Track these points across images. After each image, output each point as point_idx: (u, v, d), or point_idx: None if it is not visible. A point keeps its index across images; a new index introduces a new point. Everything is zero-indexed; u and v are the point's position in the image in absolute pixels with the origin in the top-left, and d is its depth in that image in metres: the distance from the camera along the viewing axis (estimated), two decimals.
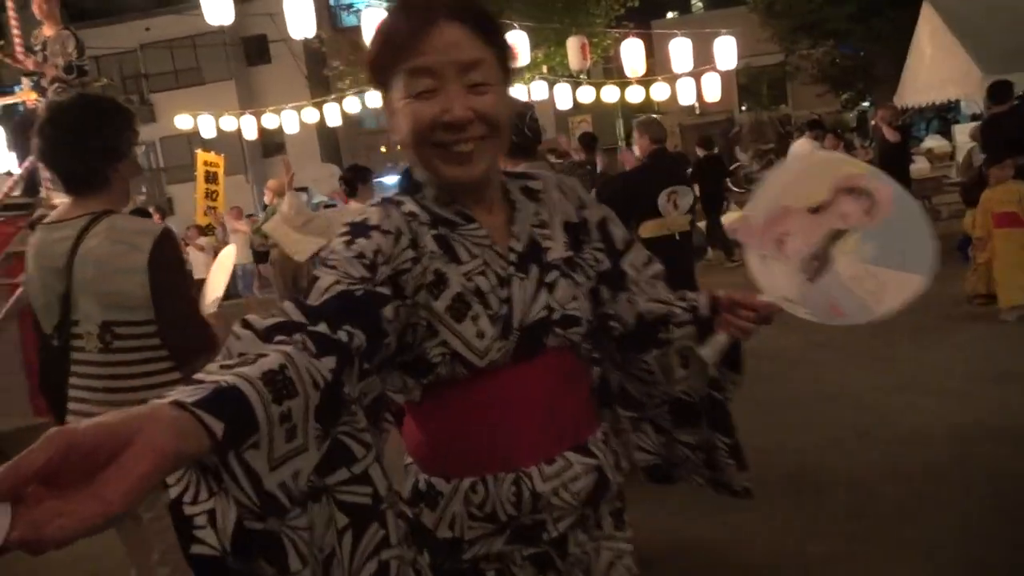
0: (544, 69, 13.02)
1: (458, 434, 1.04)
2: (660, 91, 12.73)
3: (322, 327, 0.79)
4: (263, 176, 20.45)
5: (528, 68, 10.73)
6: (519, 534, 1.03)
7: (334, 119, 12.52)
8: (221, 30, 21.04)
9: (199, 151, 12.44)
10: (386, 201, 1.03)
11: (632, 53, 10.87)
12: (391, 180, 17.71)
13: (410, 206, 1.02)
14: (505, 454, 1.02)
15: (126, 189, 1.85)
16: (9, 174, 6.61)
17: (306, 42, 19.64)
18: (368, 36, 7.52)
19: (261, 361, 0.69)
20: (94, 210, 1.75)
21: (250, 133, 12.81)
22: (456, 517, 1.02)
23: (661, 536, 2.84)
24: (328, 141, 22.24)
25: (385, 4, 7.85)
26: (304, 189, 22.14)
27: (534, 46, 9.33)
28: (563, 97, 12.53)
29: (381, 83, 1.00)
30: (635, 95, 12.19)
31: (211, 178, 11.79)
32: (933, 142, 13.94)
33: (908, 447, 3.42)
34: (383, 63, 0.98)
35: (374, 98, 13.70)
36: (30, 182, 6.23)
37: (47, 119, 1.75)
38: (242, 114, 12.73)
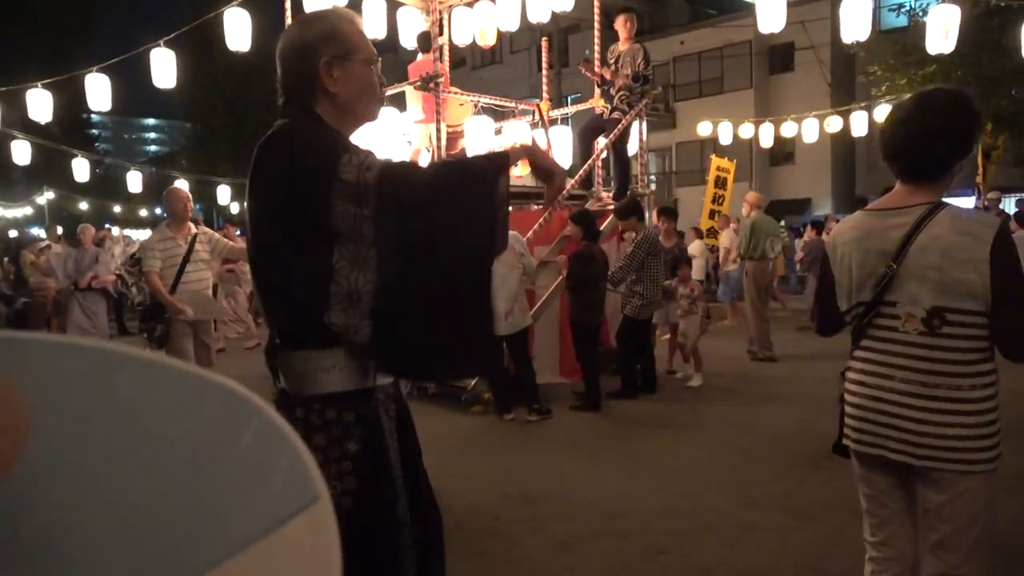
0: None
1: None
2: None
3: None
4: (766, 185, 20.34)
5: None
6: None
7: (860, 128, 11.66)
8: (747, 42, 21.55)
9: (713, 156, 12.98)
10: None
11: None
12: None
13: None
14: None
15: (950, 183, 1.82)
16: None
17: (835, 48, 18.69)
18: (930, 37, 6.71)
19: None
20: (929, 200, 1.77)
21: (766, 141, 12.81)
22: None
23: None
24: (842, 152, 20.93)
25: None
26: (807, 201, 21.42)
27: None
28: None
29: None
30: None
31: (720, 183, 12.17)
32: None
33: None
34: None
35: None
36: (588, 178, 7.25)
37: (914, 107, 1.77)
38: (761, 122, 12.80)
